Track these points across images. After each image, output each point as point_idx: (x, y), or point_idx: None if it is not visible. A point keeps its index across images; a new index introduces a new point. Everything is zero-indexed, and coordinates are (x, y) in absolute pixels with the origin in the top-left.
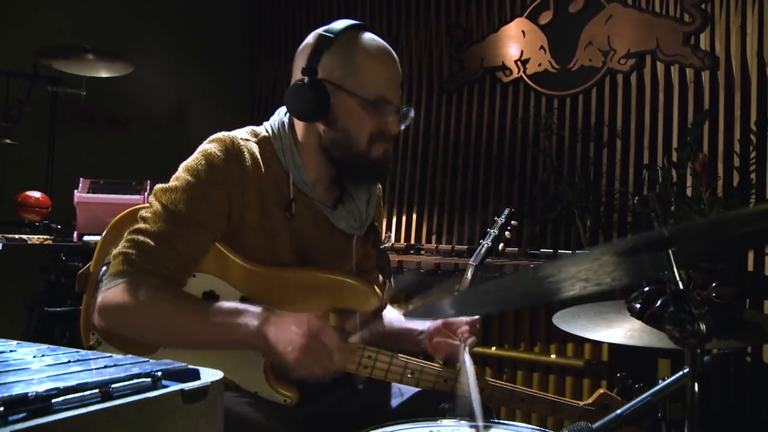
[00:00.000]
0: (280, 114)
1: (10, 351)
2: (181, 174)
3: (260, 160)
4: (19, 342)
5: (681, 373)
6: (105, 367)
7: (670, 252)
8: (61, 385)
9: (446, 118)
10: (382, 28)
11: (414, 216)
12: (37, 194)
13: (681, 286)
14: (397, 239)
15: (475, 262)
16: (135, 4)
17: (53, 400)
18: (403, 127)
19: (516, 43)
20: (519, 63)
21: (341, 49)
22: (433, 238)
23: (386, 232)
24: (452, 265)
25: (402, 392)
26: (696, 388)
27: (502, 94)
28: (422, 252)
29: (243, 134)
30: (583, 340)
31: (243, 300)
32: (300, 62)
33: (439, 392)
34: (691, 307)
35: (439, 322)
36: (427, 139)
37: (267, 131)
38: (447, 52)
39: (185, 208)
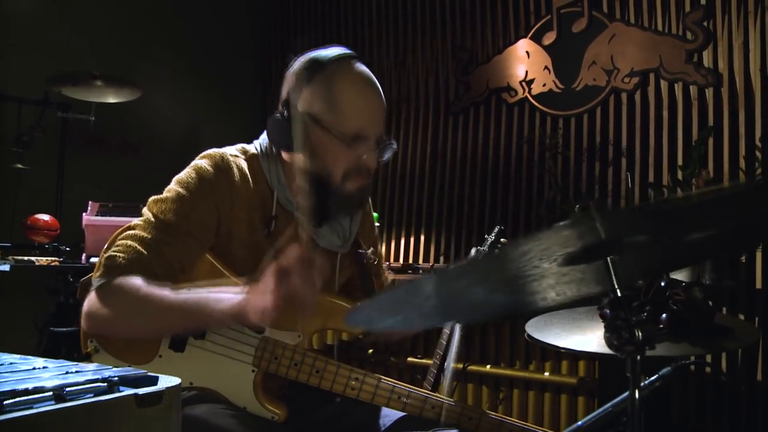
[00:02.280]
0: None
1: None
2: (172, 186)
3: (249, 176)
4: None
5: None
6: (67, 373)
7: (609, 260)
8: (16, 387)
9: (452, 140)
10: (389, 51)
11: (422, 237)
12: (45, 217)
13: (619, 294)
14: (405, 260)
15: None
16: (146, 30)
17: (5, 402)
18: (384, 160)
19: (521, 64)
20: (524, 84)
21: (322, 82)
22: (431, 258)
23: (372, 249)
24: None
25: (390, 415)
26: (636, 395)
27: (507, 115)
28: (420, 271)
29: (233, 151)
30: (578, 357)
31: None
32: (284, 89)
33: (426, 419)
34: (629, 315)
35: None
36: (434, 160)
37: (256, 149)
38: (453, 74)
39: (174, 217)
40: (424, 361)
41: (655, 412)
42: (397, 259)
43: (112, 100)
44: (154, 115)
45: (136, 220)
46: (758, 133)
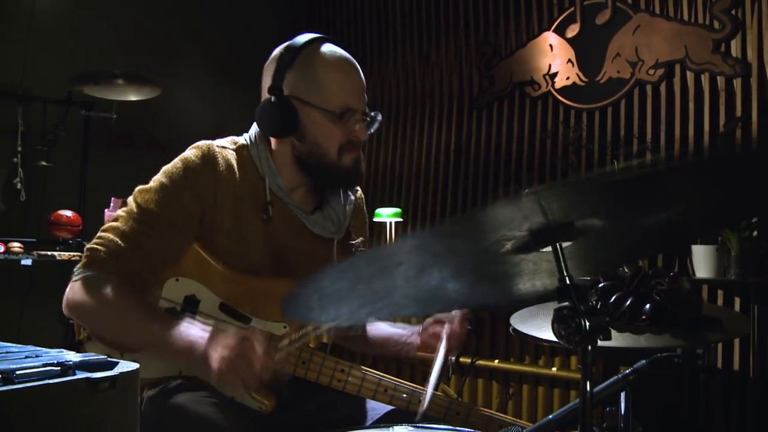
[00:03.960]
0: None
1: None
2: (157, 177)
3: (236, 167)
4: None
5: (614, 378)
6: (26, 357)
7: (558, 246)
8: None
9: (476, 135)
10: (413, 47)
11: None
12: (68, 213)
13: (567, 281)
14: None
15: None
16: (169, 27)
17: None
18: (371, 132)
19: (544, 57)
20: (547, 77)
21: (303, 63)
22: None
23: (362, 238)
24: None
25: (378, 409)
26: (588, 387)
27: (531, 108)
28: None
29: (222, 142)
30: None
31: (222, 305)
32: (266, 79)
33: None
34: (576, 304)
35: (430, 320)
36: (458, 155)
37: (245, 140)
38: (476, 68)
39: (156, 208)
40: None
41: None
42: None
43: (133, 98)
44: (179, 111)
45: (120, 210)
46: None
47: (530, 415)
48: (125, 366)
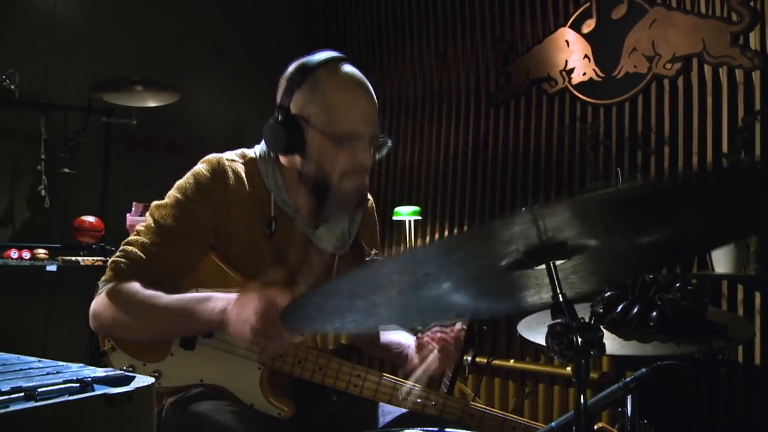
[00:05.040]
0: None
1: None
2: (172, 192)
3: (245, 180)
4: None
5: (615, 386)
6: (48, 374)
7: (552, 264)
8: None
9: (494, 132)
10: (430, 44)
11: (465, 229)
12: (91, 219)
13: (560, 299)
14: None
15: None
16: (187, 32)
17: None
18: (380, 156)
19: (560, 53)
20: (564, 73)
21: (313, 84)
22: None
23: (375, 250)
24: None
25: (392, 411)
26: (582, 400)
27: (548, 105)
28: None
29: (231, 155)
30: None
31: None
32: (278, 94)
33: (428, 415)
34: (569, 320)
35: (424, 335)
36: (476, 152)
37: (255, 153)
38: (493, 65)
39: (173, 222)
40: None
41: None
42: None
43: (152, 104)
44: (198, 116)
45: (139, 225)
46: None
47: (546, 414)
48: (141, 380)
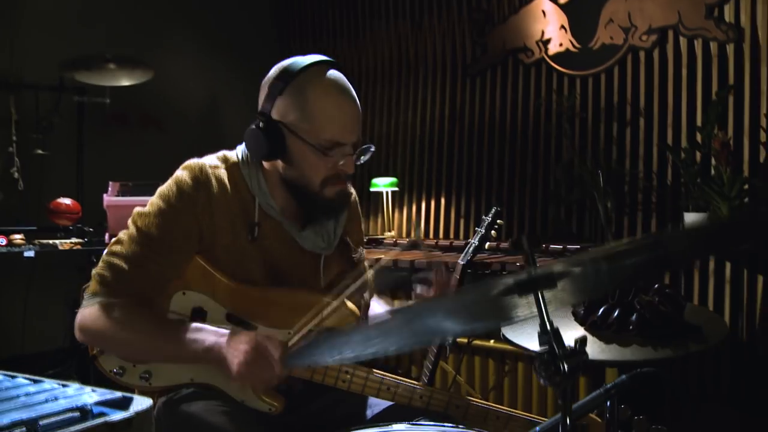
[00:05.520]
0: None
1: None
2: (154, 200)
3: (228, 186)
4: (10, 375)
5: (596, 392)
6: (46, 401)
7: (540, 293)
8: None
9: (470, 102)
10: (406, 14)
11: (442, 200)
12: (67, 201)
13: (549, 328)
14: (426, 224)
15: (463, 261)
16: (158, 6)
17: None
18: (362, 162)
19: (537, 23)
20: (540, 44)
21: (295, 91)
22: (452, 219)
23: (359, 247)
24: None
25: (379, 404)
26: (567, 422)
27: (524, 76)
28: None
29: (213, 161)
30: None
31: (228, 316)
32: (260, 98)
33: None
34: (556, 349)
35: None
36: (452, 123)
37: (237, 156)
38: (469, 36)
39: (157, 231)
40: None
41: None
42: (418, 222)
43: (125, 82)
44: (172, 89)
45: (121, 233)
46: None
47: (525, 392)
48: (140, 403)
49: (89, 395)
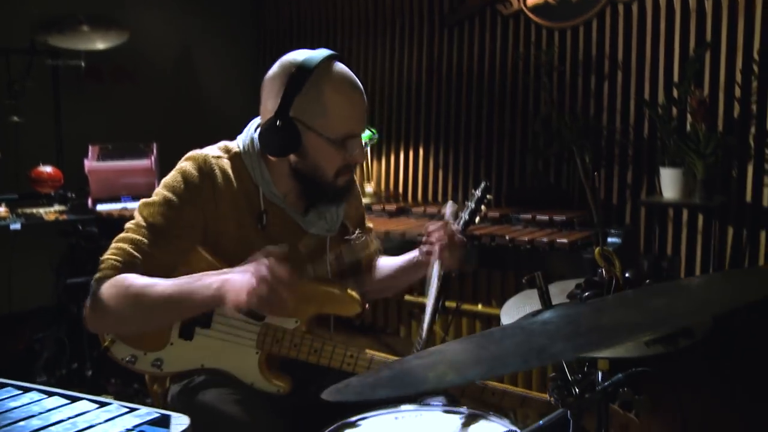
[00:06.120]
0: (251, 129)
1: (22, 405)
2: (160, 190)
3: (232, 176)
4: (45, 390)
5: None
6: (89, 427)
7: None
8: None
9: (448, 54)
10: None
11: (420, 151)
12: (48, 169)
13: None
14: (405, 175)
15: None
16: None
17: None
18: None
19: None
20: None
21: (311, 88)
22: (430, 170)
23: (359, 232)
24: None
25: None
26: None
27: (503, 27)
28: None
29: (216, 151)
30: None
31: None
32: (271, 93)
33: None
34: (567, 375)
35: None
36: (430, 74)
37: (239, 146)
38: None
39: (163, 221)
40: (420, 299)
41: None
42: (397, 175)
43: (100, 45)
44: (146, 42)
45: (128, 223)
46: (756, 46)
47: None
48: (179, 421)
49: (128, 419)
